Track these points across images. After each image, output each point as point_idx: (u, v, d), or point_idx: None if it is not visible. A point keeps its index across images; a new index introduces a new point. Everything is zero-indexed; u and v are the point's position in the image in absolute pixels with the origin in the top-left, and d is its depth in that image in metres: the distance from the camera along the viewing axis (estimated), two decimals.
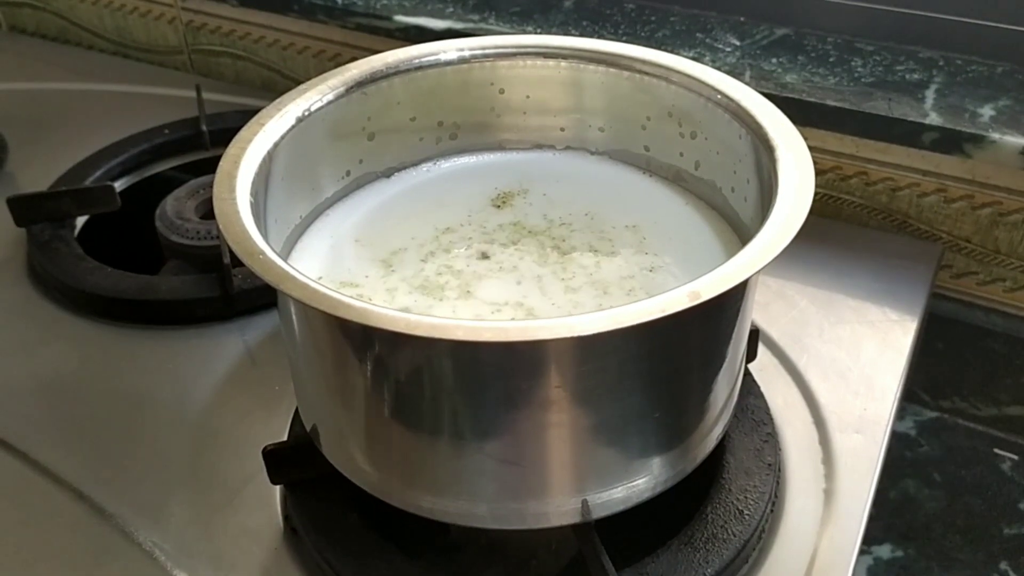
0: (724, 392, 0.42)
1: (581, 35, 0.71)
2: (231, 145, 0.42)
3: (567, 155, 0.53)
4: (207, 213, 0.67)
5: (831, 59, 0.69)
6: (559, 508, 0.40)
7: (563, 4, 0.78)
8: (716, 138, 0.47)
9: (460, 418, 0.38)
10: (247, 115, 0.45)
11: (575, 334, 0.32)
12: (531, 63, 0.51)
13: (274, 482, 0.47)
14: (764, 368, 0.55)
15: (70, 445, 0.52)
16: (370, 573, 0.43)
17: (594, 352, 0.35)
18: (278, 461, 0.46)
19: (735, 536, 0.44)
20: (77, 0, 0.98)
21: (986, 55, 0.67)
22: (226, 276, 0.60)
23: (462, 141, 0.53)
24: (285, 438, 0.50)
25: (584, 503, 0.39)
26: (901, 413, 0.67)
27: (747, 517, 0.45)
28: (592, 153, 0.52)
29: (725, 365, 0.41)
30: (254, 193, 0.40)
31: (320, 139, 0.47)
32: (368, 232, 0.48)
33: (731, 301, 0.39)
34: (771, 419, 0.50)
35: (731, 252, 0.37)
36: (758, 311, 0.59)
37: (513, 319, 0.41)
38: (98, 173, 0.73)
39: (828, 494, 0.48)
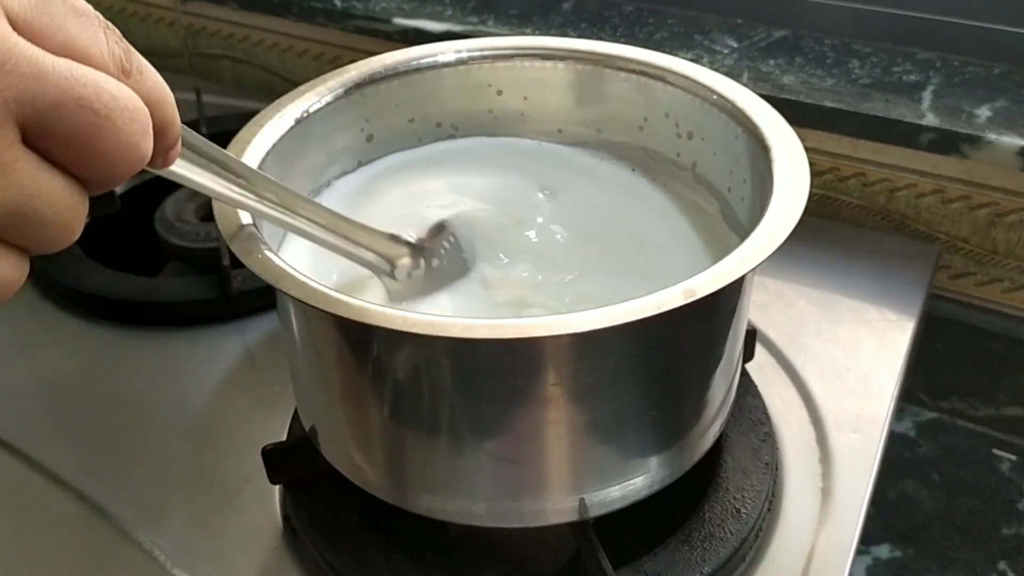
0: (721, 391, 0.42)
1: (579, 37, 0.71)
2: (230, 146, 0.42)
3: (564, 154, 0.53)
4: (207, 215, 0.67)
5: (828, 61, 0.69)
6: (556, 506, 0.40)
7: (562, 6, 0.78)
8: (713, 139, 0.47)
9: (458, 416, 0.38)
10: (246, 117, 0.45)
11: (571, 331, 0.32)
12: (529, 64, 0.51)
13: (273, 482, 0.47)
14: (762, 368, 0.55)
15: (70, 446, 0.52)
16: (369, 572, 0.43)
17: (590, 349, 0.35)
18: (277, 461, 0.47)
19: (732, 535, 0.44)
20: None
21: (983, 56, 0.68)
22: (225, 278, 0.60)
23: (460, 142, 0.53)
24: (284, 438, 0.51)
25: (581, 501, 0.40)
26: (900, 414, 0.67)
27: (744, 516, 0.45)
28: (589, 154, 0.53)
29: (722, 363, 0.41)
30: None
31: (318, 140, 0.47)
32: None
33: (726, 299, 0.39)
34: (769, 418, 0.51)
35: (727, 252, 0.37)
36: (756, 312, 0.59)
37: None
38: None
39: (825, 493, 0.48)
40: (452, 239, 0.45)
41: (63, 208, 0.24)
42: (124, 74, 0.25)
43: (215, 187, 0.35)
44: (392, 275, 0.42)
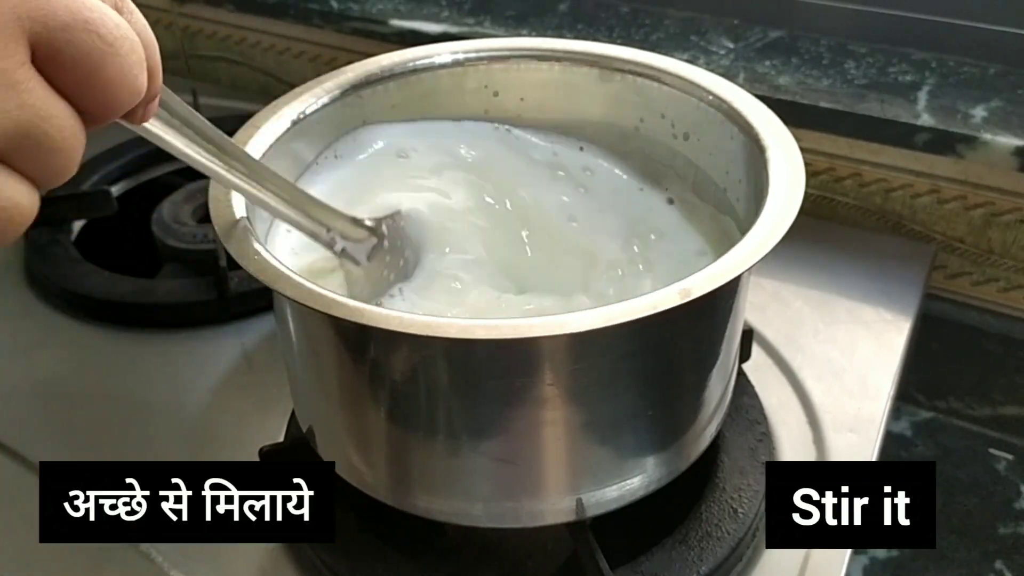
0: (717, 391, 0.42)
1: (575, 38, 0.71)
2: None
3: (559, 156, 0.53)
4: (203, 217, 0.67)
5: (824, 61, 0.69)
6: (554, 506, 0.40)
7: (558, 7, 0.79)
8: (709, 139, 0.47)
9: (454, 417, 0.38)
10: (243, 119, 0.45)
11: (567, 331, 0.32)
12: (525, 66, 0.51)
13: None
14: (759, 368, 0.55)
15: (67, 448, 0.52)
16: (366, 574, 0.43)
17: (587, 349, 0.35)
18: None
19: (729, 534, 0.44)
20: None
21: (978, 56, 0.68)
22: (222, 279, 0.60)
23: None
24: (281, 439, 0.50)
25: (578, 501, 0.40)
26: (896, 414, 0.67)
27: (741, 516, 0.45)
28: (585, 155, 0.53)
29: (718, 363, 0.41)
30: None
31: (315, 142, 0.47)
32: None
33: (722, 299, 0.39)
34: (765, 419, 0.51)
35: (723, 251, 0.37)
36: (753, 312, 0.59)
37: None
38: (95, 178, 0.73)
39: None
40: (402, 228, 0.45)
41: (69, 135, 0.24)
42: (118, 11, 0.25)
43: (187, 151, 0.34)
44: (351, 256, 0.42)
